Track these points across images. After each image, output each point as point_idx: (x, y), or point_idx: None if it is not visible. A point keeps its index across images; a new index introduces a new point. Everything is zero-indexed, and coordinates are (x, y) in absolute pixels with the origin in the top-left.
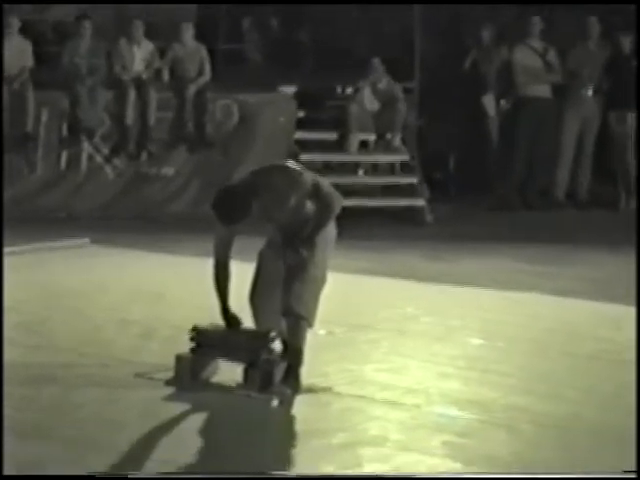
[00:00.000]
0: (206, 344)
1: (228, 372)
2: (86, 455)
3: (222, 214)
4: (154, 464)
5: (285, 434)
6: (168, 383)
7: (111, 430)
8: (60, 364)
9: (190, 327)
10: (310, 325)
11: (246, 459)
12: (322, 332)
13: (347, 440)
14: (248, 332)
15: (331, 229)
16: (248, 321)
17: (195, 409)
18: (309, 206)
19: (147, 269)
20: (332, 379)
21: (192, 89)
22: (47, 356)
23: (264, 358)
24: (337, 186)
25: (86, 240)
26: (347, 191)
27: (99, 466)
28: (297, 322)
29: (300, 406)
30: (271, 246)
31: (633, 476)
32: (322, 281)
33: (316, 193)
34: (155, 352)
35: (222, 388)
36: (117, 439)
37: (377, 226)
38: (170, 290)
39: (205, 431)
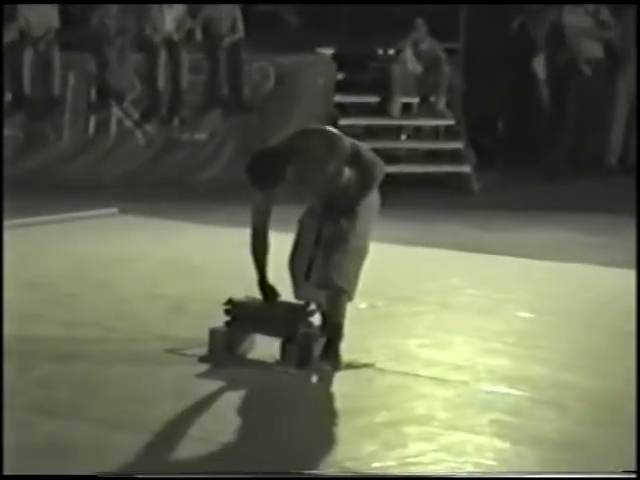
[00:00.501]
0: (242, 317)
1: (265, 347)
2: (116, 434)
3: (256, 178)
4: (189, 442)
5: (325, 412)
6: (202, 359)
7: (142, 408)
8: (88, 339)
9: (224, 300)
10: (350, 298)
11: (285, 438)
12: (363, 305)
13: (391, 418)
14: (286, 305)
15: (374, 198)
16: (286, 294)
17: (230, 386)
18: (348, 174)
19: (179, 240)
20: (374, 354)
21: (226, 43)
22: (75, 332)
23: (302, 332)
24: (378, 152)
25: (115, 210)
26: (389, 157)
27: (130, 445)
28: (337, 295)
29: (340, 383)
30: (311, 214)
31: (633, 476)
32: (364, 252)
33: (356, 159)
34: (188, 326)
35: (259, 364)
36: (148, 418)
37: (421, 194)
38: (203, 261)
39: (241, 409)
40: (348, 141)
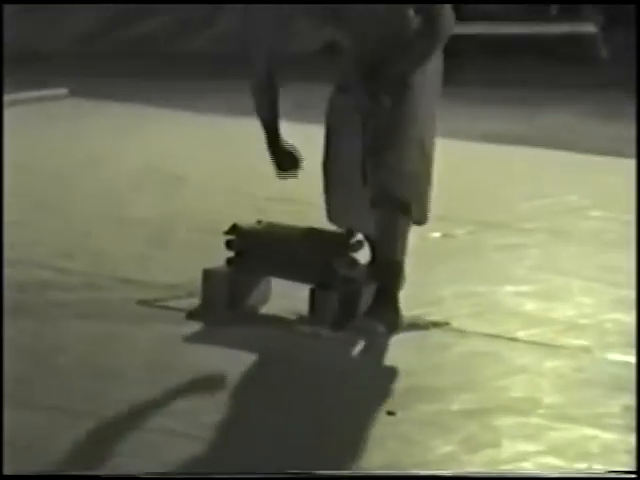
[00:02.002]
0: (251, 253)
1: (285, 298)
2: (71, 425)
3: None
4: (171, 439)
5: (375, 397)
6: (191, 315)
7: (106, 385)
8: (31, 286)
9: (225, 227)
10: (420, 220)
11: (312, 437)
12: (435, 235)
13: (475, 405)
14: (317, 234)
15: (436, 67)
16: (316, 217)
17: (232, 357)
18: (404, 22)
19: (156, 135)
20: (450, 308)
21: None
22: (12, 274)
23: (342, 276)
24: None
25: (63, 90)
26: (469, 13)
27: (90, 441)
28: (394, 216)
29: (399, 352)
30: (344, 92)
31: (633, 476)
32: (430, 149)
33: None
34: (171, 266)
35: (275, 323)
36: (115, 401)
37: (520, 66)
38: (192, 168)
39: (248, 392)
40: None
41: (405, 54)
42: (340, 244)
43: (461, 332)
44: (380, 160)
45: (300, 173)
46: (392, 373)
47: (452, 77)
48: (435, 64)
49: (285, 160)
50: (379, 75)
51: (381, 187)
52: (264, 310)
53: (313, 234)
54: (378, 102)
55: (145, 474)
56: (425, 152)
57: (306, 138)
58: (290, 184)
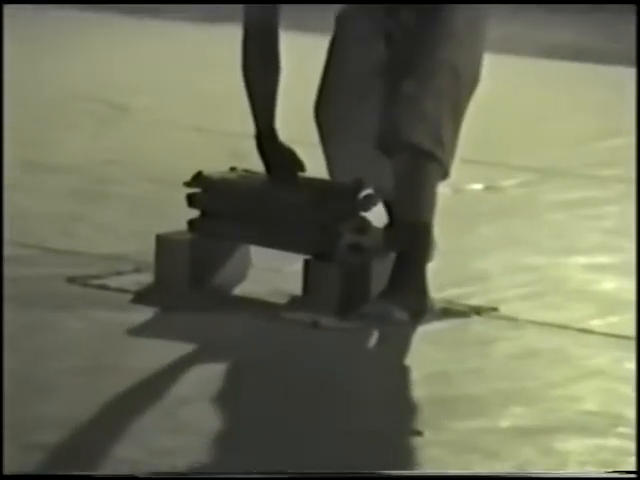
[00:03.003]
0: (222, 213)
1: (269, 274)
2: None
3: None
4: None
5: (394, 410)
6: (140, 297)
7: (25, 397)
8: None
9: (186, 176)
10: (446, 171)
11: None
12: (476, 187)
13: (531, 421)
14: (313, 186)
15: None
16: (315, 166)
17: (199, 354)
18: None
19: (97, 49)
20: (496, 288)
21: None
22: None
23: (348, 243)
24: None
25: None
26: None
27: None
28: (417, 164)
29: (427, 348)
30: (358, 9)
31: (633, 476)
32: (472, 82)
33: None
34: (109, 230)
35: (256, 308)
36: (37, 415)
37: None
38: (140, 96)
39: (221, 402)
40: None
41: None
42: (345, 199)
43: (512, 321)
44: (398, 90)
45: (292, 98)
46: (416, 378)
47: None
48: None
49: (280, 162)
50: None
51: (397, 127)
52: (240, 291)
53: (307, 186)
54: (406, 17)
55: (145, 474)
56: (461, 80)
57: (300, 52)
58: (279, 117)
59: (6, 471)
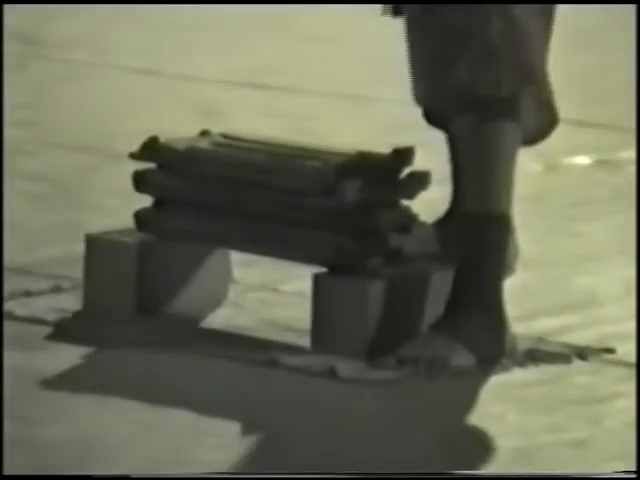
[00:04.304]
0: (187, 200)
1: (257, 292)
2: None
3: None
4: None
5: None
6: (62, 330)
7: None
8: None
9: (133, 143)
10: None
11: None
12: (582, 160)
13: None
14: (328, 158)
15: None
16: (322, 130)
17: (151, 424)
18: None
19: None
20: (610, 317)
21: None
22: None
23: (383, 247)
24: None
25: None
26: None
27: None
28: (494, 126)
29: (504, 407)
30: None
31: (633, 476)
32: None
33: None
34: (16, 228)
35: (239, 345)
36: None
37: None
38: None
39: None
40: None
41: None
42: (379, 180)
43: (626, 365)
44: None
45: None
46: (488, 456)
47: None
48: None
49: None
50: None
51: (469, 73)
52: (214, 320)
53: (319, 157)
54: None
55: (145, 474)
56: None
57: None
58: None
59: (6, 471)
